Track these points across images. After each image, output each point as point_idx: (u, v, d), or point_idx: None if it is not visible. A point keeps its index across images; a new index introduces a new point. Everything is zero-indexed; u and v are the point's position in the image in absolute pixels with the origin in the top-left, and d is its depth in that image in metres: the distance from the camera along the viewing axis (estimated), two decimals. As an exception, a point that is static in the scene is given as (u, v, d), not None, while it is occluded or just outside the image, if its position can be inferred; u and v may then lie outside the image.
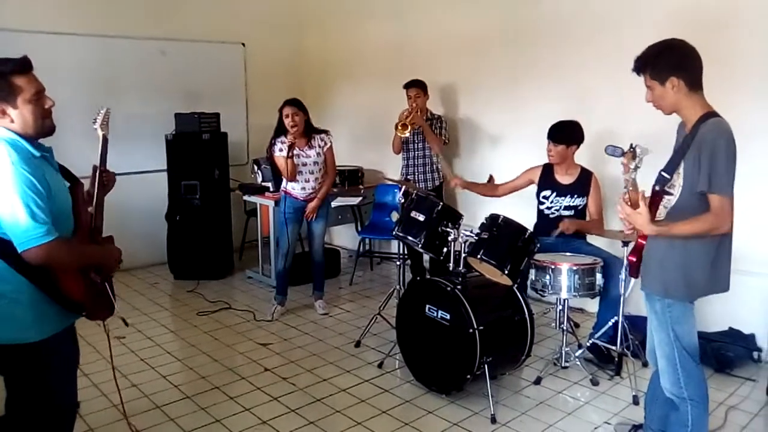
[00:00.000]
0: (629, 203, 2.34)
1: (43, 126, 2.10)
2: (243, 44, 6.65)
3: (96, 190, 2.32)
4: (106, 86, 5.78)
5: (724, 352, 3.76)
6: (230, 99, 6.55)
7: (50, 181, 2.07)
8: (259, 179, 5.72)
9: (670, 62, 2.34)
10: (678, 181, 2.35)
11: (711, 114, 2.33)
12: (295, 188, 4.61)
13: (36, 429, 2.23)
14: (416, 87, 5.10)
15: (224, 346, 4.22)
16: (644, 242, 2.46)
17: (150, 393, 3.51)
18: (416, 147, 5.24)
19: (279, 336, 4.39)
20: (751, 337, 3.89)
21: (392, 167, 5.86)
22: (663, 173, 2.38)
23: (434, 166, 5.26)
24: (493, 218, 3.46)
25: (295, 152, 4.50)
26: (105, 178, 2.38)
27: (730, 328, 3.94)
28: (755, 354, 3.84)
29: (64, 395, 2.29)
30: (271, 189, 5.53)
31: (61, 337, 2.20)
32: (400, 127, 4.98)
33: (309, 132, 4.58)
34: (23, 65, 2.04)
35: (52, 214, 2.02)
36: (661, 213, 2.39)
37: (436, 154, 5.17)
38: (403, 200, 3.84)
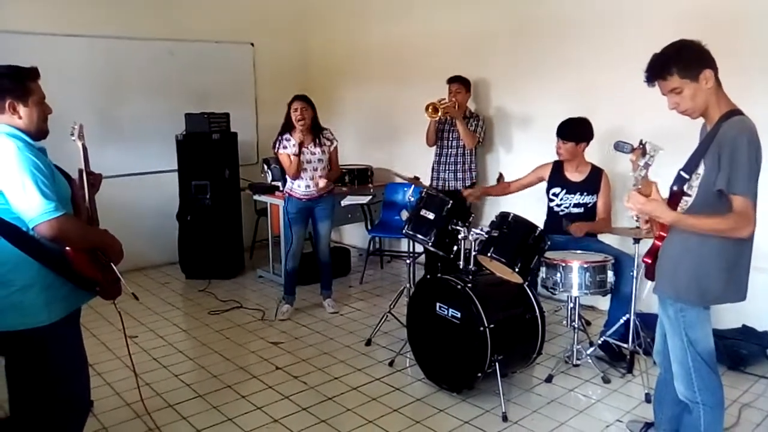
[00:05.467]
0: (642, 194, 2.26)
1: (43, 128, 2.31)
2: (252, 44, 6.68)
3: (87, 191, 2.48)
4: (115, 87, 5.83)
5: (738, 349, 3.74)
6: (239, 99, 6.57)
7: (51, 168, 2.24)
8: (269, 178, 5.73)
9: (697, 56, 2.23)
10: (697, 182, 2.26)
11: (735, 112, 2.24)
12: (300, 186, 4.59)
13: (44, 425, 2.28)
14: (458, 82, 5.01)
15: (235, 345, 4.23)
16: (660, 244, 2.41)
17: (162, 392, 3.53)
18: (450, 144, 5.14)
19: (290, 335, 4.41)
20: (765, 335, 3.86)
21: (402, 165, 5.85)
22: (682, 173, 2.29)
23: (467, 165, 5.13)
24: (504, 216, 3.45)
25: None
26: (92, 179, 2.53)
27: (744, 326, 3.91)
28: (769, 351, 3.82)
29: (71, 387, 2.35)
30: (281, 188, 5.53)
31: (68, 323, 2.30)
32: (430, 109, 4.82)
33: (315, 129, 4.58)
34: (36, 73, 2.29)
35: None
36: None
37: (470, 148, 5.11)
38: (413, 198, 3.85)
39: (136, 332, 4.40)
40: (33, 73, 2.28)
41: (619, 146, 2.39)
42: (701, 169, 2.25)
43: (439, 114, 4.85)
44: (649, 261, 2.45)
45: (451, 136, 5.14)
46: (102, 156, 5.33)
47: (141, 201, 5.89)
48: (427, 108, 4.84)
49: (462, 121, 4.99)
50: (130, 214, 5.58)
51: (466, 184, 5.13)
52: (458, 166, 5.14)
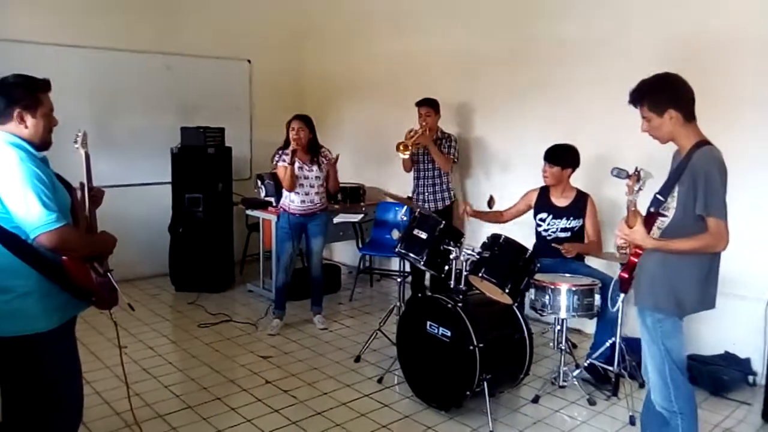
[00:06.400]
0: (628, 224, 2.48)
1: (47, 139, 2.33)
2: (249, 61, 6.76)
3: (87, 206, 2.48)
4: (113, 99, 5.88)
5: (720, 375, 3.80)
6: (235, 114, 6.64)
7: (52, 178, 2.27)
8: (262, 194, 5.77)
9: (667, 95, 2.48)
10: (672, 204, 2.49)
11: (704, 142, 2.47)
12: (294, 201, 4.64)
13: (36, 431, 2.29)
14: (427, 105, 5.06)
15: (225, 358, 4.25)
16: (636, 260, 2.60)
17: (152, 402, 3.54)
18: (426, 167, 5.21)
19: (279, 349, 4.42)
20: (747, 361, 3.93)
21: (395, 185, 5.92)
22: (658, 196, 2.52)
23: (444, 186, 5.21)
24: (495, 238, 3.52)
25: (297, 164, 4.57)
26: (93, 193, 2.54)
27: (726, 352, 3.99)
28: (750, 378, 3.89)
29: (65, 393, 2.36)
30: (274, 204, 5.58)
31: (64, 331, 2.33)
32: (401, 147, 4.93)
33: (313, 150, 4.65)
34: (47, 85, 2.32)
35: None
36: (655, 233, 2.52)
37: (447, 173, 5.19)
38: (405, 218, 3.91)
39: (126, 342, 4.39)
40: (45, 85, 2.31)
41: (615, 172, 2.61)
42: (676, 192, 2.48)
43: (410, 150, 4.96)
44: (626, 276, 2.65)
45: (426, 159, 5.20)
46: (97, 166, 5.34)
47: (134, 212, 5.90)
48: (397, 147, 4.93)
49: (434, 147, 5.03)
50: (122, 225, 5.44)
51: (446, 204, 5.21)
52: (435, 187, 5.22)
